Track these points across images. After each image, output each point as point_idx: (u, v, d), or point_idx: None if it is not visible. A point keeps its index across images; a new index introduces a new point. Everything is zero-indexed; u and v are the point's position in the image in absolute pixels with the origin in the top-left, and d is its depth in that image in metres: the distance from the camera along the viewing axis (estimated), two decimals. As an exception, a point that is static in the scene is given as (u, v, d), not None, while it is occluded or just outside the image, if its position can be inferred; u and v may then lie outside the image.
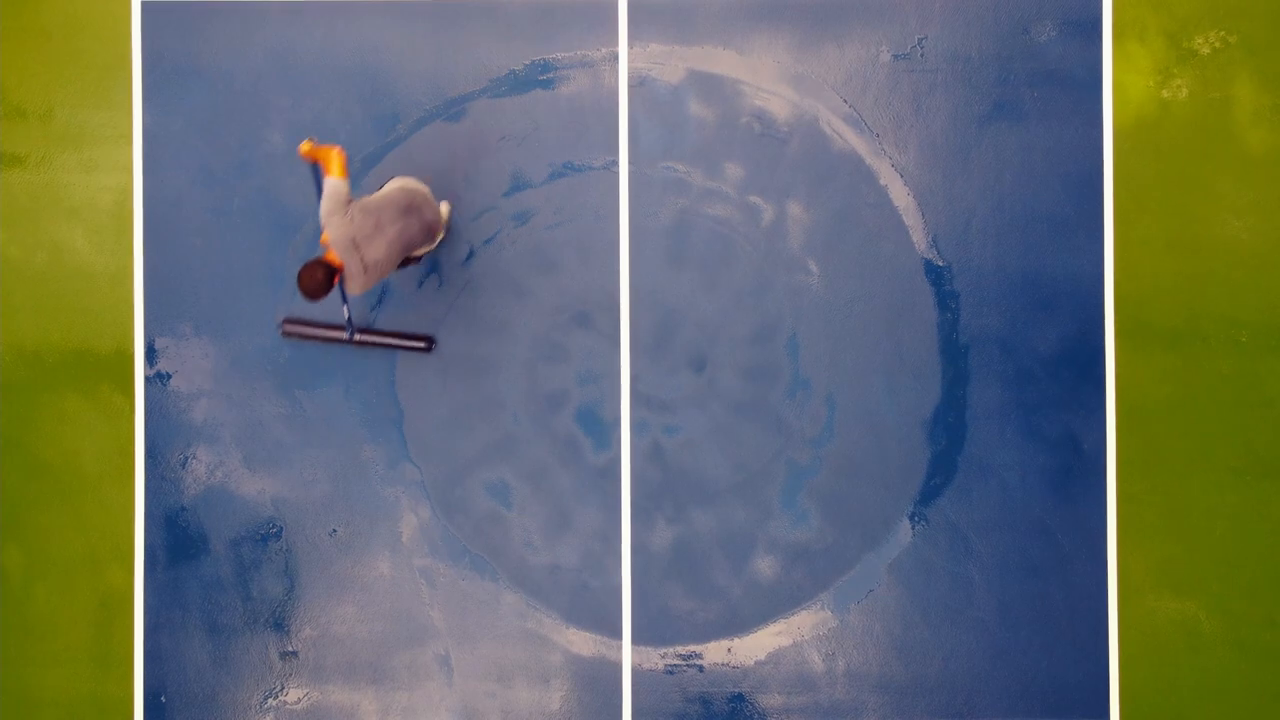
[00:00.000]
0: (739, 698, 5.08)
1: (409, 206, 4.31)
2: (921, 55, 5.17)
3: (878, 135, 5.17)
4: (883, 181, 5.17)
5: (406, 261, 4.66)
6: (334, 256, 4.02)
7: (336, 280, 4.01)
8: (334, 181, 4.01)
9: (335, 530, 5.12)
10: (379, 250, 4.12)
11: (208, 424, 5.14)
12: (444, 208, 5.02)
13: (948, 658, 5.08)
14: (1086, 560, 5.11)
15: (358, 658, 5.09)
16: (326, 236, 4.01)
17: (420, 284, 5.13)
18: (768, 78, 5.18)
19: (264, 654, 5.10)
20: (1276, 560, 5.11)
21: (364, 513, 5.13)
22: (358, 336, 5.02)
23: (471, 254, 5.16)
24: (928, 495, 5.11)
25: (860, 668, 5.08)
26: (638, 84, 5.19)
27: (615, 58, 5.19)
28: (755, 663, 5.08)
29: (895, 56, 5.17)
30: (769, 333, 5.19)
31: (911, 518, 5.11)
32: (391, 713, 5.07)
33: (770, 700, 5.07)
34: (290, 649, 5.11)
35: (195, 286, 5.17)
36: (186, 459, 5.15)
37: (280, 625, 5.11)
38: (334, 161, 4.01)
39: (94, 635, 5.13)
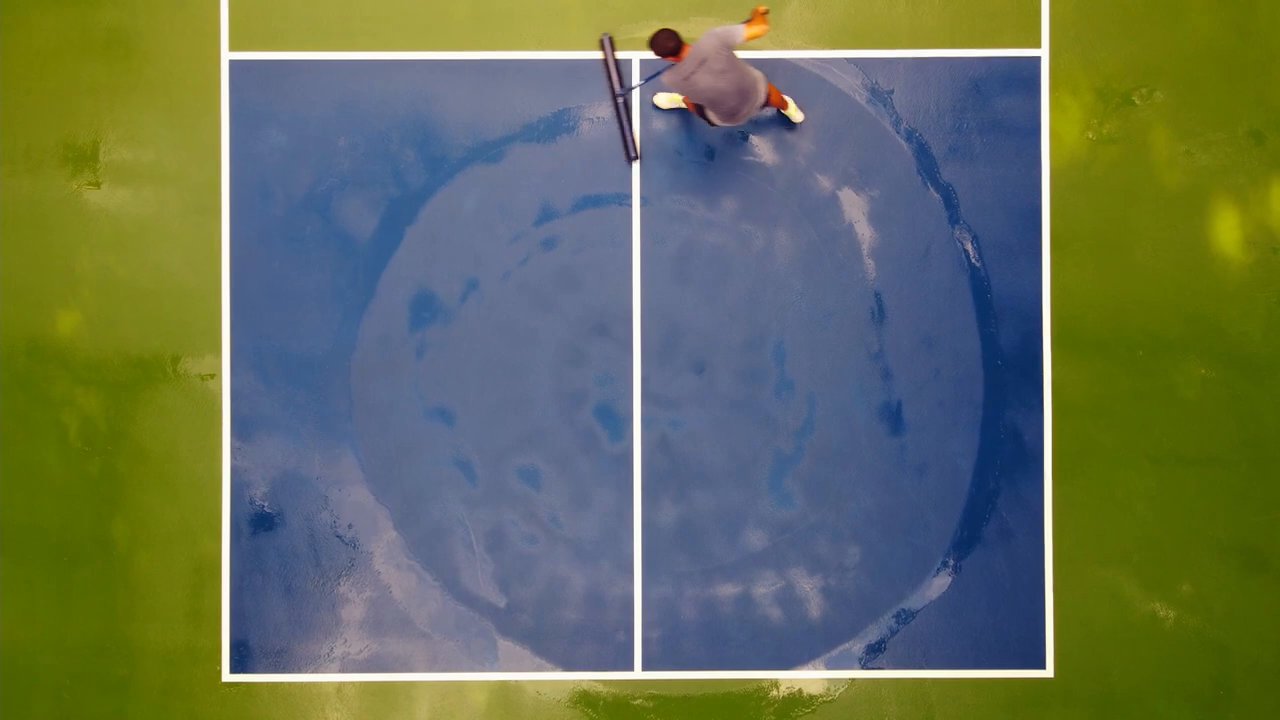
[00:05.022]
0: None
1: (746, 90, 5.19)
2: (886, 108, 6.00)
3: (850, 175, 5.98)
4: (855, 214, 5.98)
5: (702, 114, 5.44)
6: (687, 52, 4.97)
7: (671, 60, 4.93)
8: (740, 32, 4.96)
9: (392, 506, 5.95)
10: (704, 82, 5.03)
11: (284, 417, 5.95)
12: (798, 113, 5.85)
13: (908, 616, 5.91)
14: (1027, 534, 5.89)
15: (411, 614, 5.93)
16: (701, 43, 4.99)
17: (464, 298, 5.97)
18: (759, 127, 6.02)
19: (331, 612, 5.92)
20: (1187, 534, 5.86)
21: (417, 491, 5.94)
22: (621, 99, 5.84)
23: (507, 274, 5.99)
24: (892, 479, 5.92)
25: (834, 625, 5.91)
26: (648, 130, 5.96)
27: (630, 107, 6.03)
28: (747, 606, 5.92)
29: (863, 109, 6.00)
30: (759, 341, 5.99)
31: (878, 498, 5.92)
32: (439, 661, 5.91)
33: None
34: (353, 608, 5.94)
35: (274, 301, 5.94)
36: (266, 446, 5.95)
37: (345, 588, 5.94)
38: (756, 29, 4.96)
39: (188, 596, 5.91)
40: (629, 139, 5.89)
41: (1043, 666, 5.85)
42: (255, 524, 5.93)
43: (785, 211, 5.97)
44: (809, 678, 5.87)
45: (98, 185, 5.97)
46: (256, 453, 5.94)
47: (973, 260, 5.94)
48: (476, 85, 5.98)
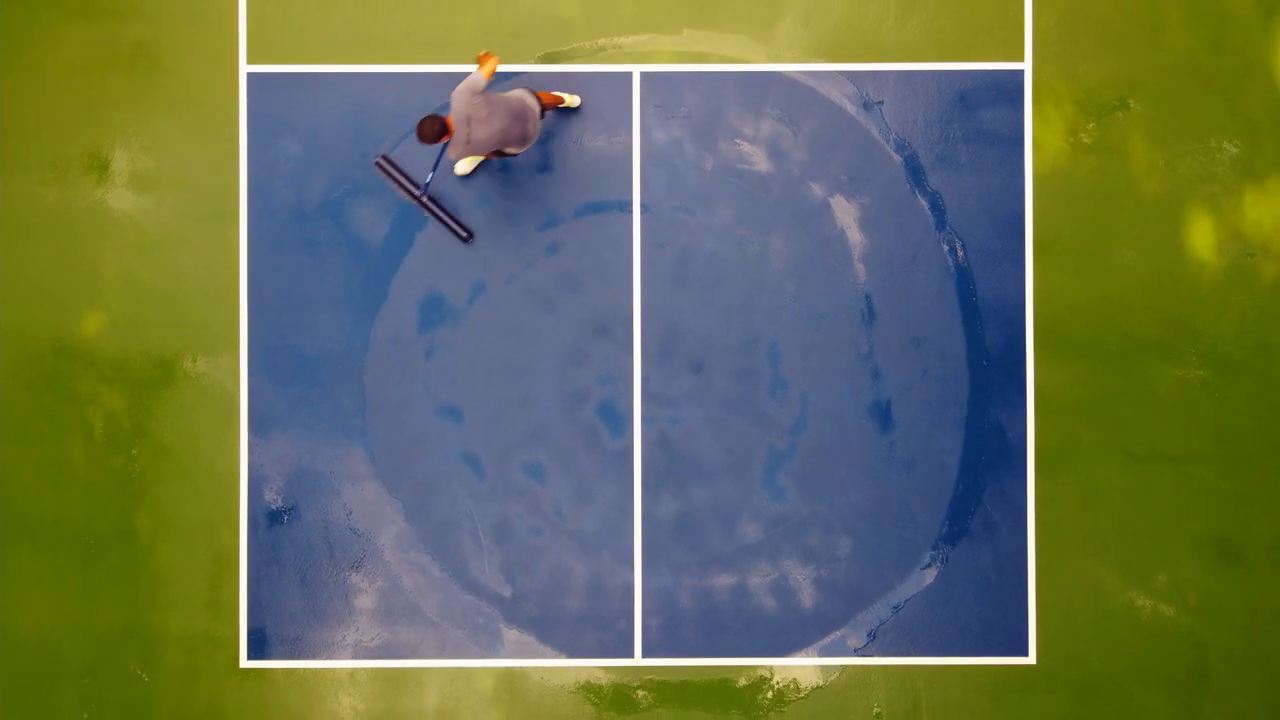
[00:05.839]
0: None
1: (519, 114, 5.35)
2: (876, 119, 6.22)
3: (841, 183, 6.16)
4: (846, 221, 6.18)
5: (501, 154, 5.55)
6: (451, 122, 5.09)
7: (444, 139, 5.02)
8: (478, 76, 5.12)
9: (403, 500, 6.15)
10: (482, 134, 5.16)
11: (299, 414, 6.13)
12: (574, 99, 6.00)
13: (897, 607, 6.12)
14: (1010, 528, 6.06)
15: (421, 604, 6.14)
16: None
17: (471, 301, 6.20)
18: (754, 137, 6.22)
19: (344, 601, 6.11)
20: (1163, 527, 6.03)
21: (426, 485, 6.14)
22: (424, 198, 5.98)
23: (513, 278, 6.22)
24: (882, 474, 6.10)
25: (826, 614, 6.12)
26: (648, 140, 6.16)
27: (630, 117, 6.20)
28: (741, 602, 6.14)
29: (854, 120, 6.22)
30: (754, 342, 6.17)
31: (868, 493, 6.10)
32: (448, 648, 6.12)
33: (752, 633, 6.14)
34: (365, 597, 6.13)
35: (289, 304, 6.12)
36: (282, 442, 6.12)
37: (357, 578, 6.11)
38: (488, 66, 5.14)
39: (207, 585, 6.09)
40: (454, 226, 6.05)
41: (1026, 654, 6.03)
42: (271, 517, 6.13)
43: (779, 218, 6.17)
44: (802, 664, 6.05)
45: (121, 193, 6.16)
46: (272, 449, 6.14)
47: (959, 264, 6.15)
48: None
